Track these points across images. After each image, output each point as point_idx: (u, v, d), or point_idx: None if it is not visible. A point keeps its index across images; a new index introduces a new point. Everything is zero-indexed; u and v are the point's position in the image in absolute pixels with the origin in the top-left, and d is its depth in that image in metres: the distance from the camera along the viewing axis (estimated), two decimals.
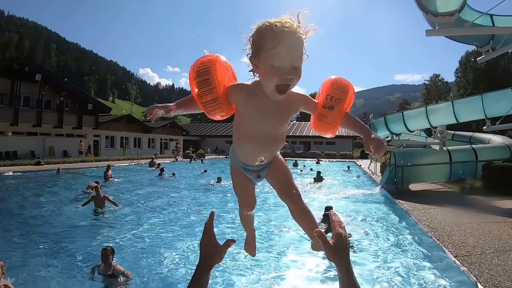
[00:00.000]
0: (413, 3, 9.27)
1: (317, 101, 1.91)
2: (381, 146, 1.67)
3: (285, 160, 2.12)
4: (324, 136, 1.97)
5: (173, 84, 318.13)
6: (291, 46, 1.56)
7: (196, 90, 1.73)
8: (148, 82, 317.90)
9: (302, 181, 17.81)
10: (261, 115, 1.83)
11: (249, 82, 1.82)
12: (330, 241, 1.41)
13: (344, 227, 1.47)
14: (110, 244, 5.86)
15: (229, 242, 1.54)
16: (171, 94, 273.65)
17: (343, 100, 1.84)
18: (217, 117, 1.81)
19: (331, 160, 41.90)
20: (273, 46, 1.56)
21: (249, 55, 1.71)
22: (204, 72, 1.72)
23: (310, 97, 1.93)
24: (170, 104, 1.74)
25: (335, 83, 1.88)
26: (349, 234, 7.42)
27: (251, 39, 1.69)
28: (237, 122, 1.96)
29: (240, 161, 2.11)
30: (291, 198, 2.05)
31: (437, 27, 9.42)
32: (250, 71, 1.77)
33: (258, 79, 1.75)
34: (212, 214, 1.63)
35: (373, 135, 1.72)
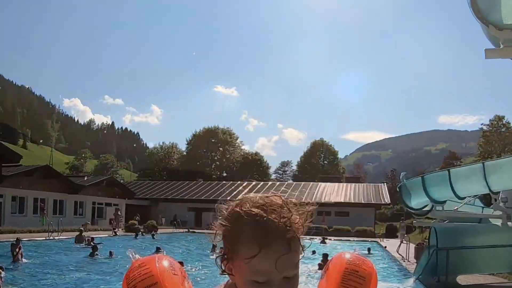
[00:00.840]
0: (466, 13, 9.34)
1: None
2: None
3: None
4: None
5: (112, 122, 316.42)
6: (280, 253, 1.31)
7: None
8: (76, 119, 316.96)
9: (300, 268, 17.77)
10: None
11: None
12: None
13: None
14: None
15: None
16: (110, 137, 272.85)
17: None
18: None
19: (342, 239, 41.78)
20: (253, 255, 1.30)
21: (219, 255, 1.49)
22: None
23: None
24: None
25: (347, 278, 1.66)
26: None
27: (220, 228, 1.47)
28: None
29: None
30: None
31: (501, 45, 9.46)
32: (222, 273, 1.52)
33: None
34: None
35: None
